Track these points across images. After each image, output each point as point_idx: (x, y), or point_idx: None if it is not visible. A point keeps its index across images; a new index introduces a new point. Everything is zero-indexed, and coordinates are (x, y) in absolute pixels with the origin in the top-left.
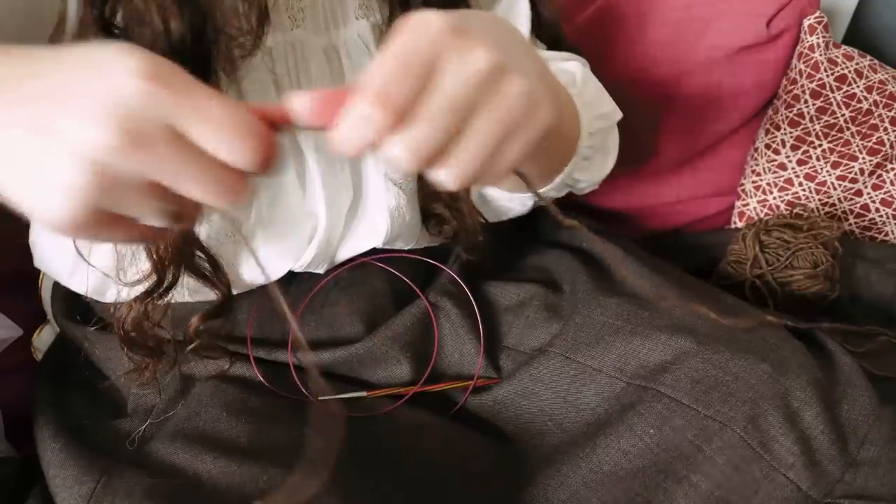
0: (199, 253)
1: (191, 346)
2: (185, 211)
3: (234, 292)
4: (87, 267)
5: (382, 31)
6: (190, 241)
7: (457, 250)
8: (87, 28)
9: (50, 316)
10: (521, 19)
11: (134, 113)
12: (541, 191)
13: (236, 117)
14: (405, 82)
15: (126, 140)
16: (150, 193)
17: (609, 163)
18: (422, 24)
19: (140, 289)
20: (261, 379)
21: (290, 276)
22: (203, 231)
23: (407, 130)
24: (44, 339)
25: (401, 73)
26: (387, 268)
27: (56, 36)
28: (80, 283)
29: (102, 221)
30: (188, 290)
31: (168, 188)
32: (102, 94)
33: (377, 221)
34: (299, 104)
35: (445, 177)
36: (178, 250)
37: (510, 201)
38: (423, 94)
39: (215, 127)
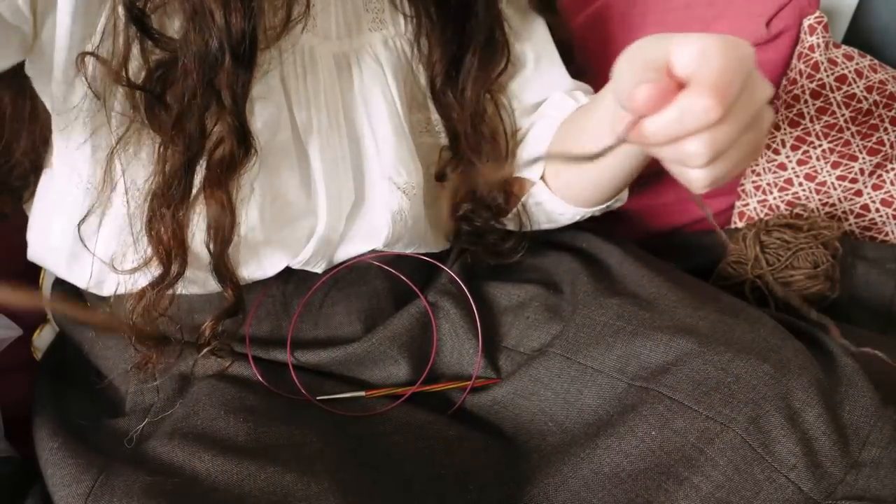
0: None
1: (206, 350)
2: None
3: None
4: (84, 258)
5: (394, 44)
6: (233, 224)
7: (457, 250)
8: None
9: (50, 315)
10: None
11: None
12: (597, 207)
13: None
14: (738, 86)
15: None
16: None
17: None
18: (741, 45)
19: (143, 279)
20: (259, 378)
21: (289, 274)
22: (203, 224)
23: (717, 130)
24: (44, 339)
25: (736, 76)
26: (386, 268)
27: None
28: (79, 274)
29: None
30: (185, 281)
31: None
32: None
33: (379, 224)
34: (641, 94)
35: (702, 176)
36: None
37: (561, 215)
38: (734, 105)
39: None
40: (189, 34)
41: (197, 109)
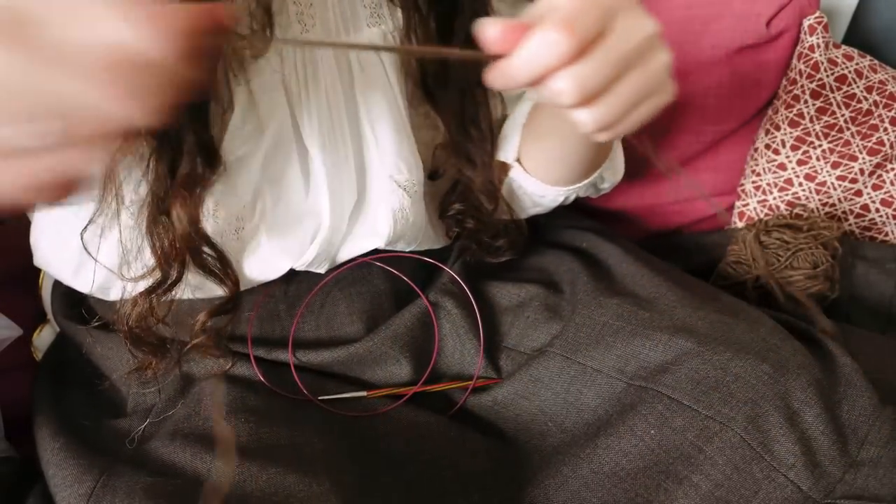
0: (206, 248)
1: (194, 342)
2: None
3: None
4: (91, 265)
5: (394, 39)
6: (198, 235)
7: (458, 250)
8: None
9: (50, 316)
10: None
11: None
12: (573, 187)
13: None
14: (591, 21)
15: None
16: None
17: (620, 169)
18: None
19: (144, 284)
20: (261, 378)
21: (291, 274)
22: (208, 227)
23: (579, 65)
24: (44, 339)
25: (589, 11)
26: (388, 268)
27: None
28: (84, 281)
29: None
30: (191, 287)
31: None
32: None
33: (380, 222)
34: (489, 30)
35: (587, 118)
36: (185, 246)
37: (542, 197)
38: (599, 38)
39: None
40: None
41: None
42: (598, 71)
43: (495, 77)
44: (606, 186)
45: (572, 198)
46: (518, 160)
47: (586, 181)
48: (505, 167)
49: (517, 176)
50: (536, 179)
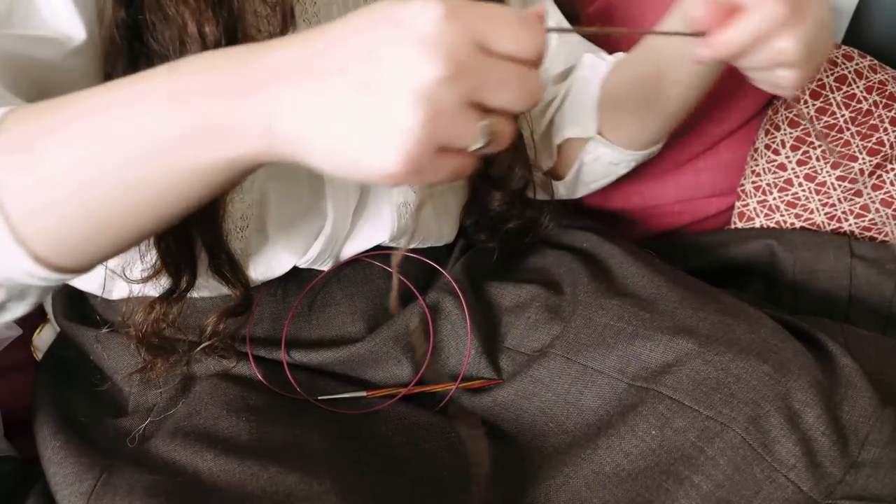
0: (220, 251)
1: (204, 345)
2: (498, 128)
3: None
4: None
5: None
6: (220, 237)
7: (459, 249)
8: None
9: (50, 316)
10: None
11: (447, 39)
12: (652, 149)
13: (515, 15)
14: None
15: (450, 66)
16: (472, 116)
17: None
18: None
19: (152, 288)
20: (260, 378)
21: (294, 273)
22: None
23: (801, 28)
24: (44, 338)
25: None
26: (389, 269)
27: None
28: (88, 281)
29: (435, 159)
30: (195, 287)
31: (485, 105)
32: (415, 31)
33: (384, 217)
34: (695, 7)
35: (794, 77)
36: (208, 248)
37: (617, 165)
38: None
39: (507, 26)
40: (174, 46)
41: None
42: (814, 34)
43: (709, 50)
44: (657, 150)
45: (641, 161)
46: (599, 133)
47: (659, 145)
48: (573, 144)
49: (596, 148)
50: (620, 146)
